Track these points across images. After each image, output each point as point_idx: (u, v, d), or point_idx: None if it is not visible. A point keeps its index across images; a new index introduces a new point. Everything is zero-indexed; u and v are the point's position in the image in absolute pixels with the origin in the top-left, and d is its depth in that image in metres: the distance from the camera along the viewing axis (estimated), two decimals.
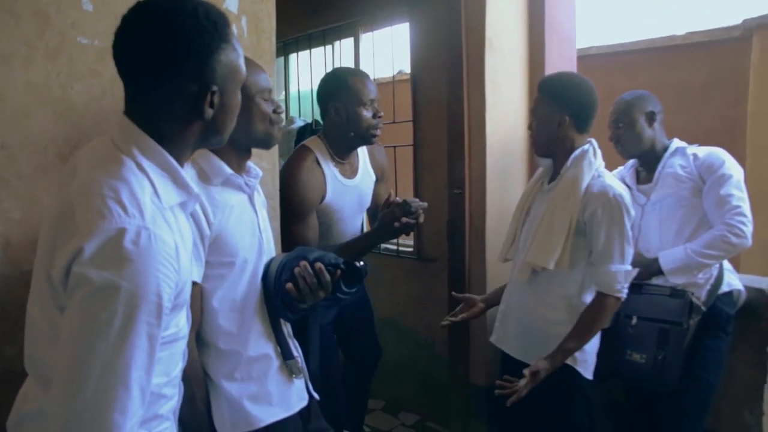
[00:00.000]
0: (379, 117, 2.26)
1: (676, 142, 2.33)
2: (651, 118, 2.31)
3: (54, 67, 1.51)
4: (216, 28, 1.04)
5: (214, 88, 1.04)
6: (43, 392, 1.03)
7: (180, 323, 1.12)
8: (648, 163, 2.36)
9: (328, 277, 1.52)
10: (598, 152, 2.05)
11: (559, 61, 2.91)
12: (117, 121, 1.08)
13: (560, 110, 2.00)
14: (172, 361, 1.13)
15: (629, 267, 1.96)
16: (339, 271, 1.54)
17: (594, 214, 1.94)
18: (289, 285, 1.51)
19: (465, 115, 2.79)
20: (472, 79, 2.77)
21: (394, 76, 3.74)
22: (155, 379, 1.01)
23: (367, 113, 2.22)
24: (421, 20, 3.35)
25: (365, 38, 3.93)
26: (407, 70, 3.77)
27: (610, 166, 2.20)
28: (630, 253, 1.96)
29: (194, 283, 1.31)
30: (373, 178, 2.48)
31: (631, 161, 2.46)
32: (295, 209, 2.14)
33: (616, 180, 2.04)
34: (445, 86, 2.92)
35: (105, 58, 1.59)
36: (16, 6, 1.45)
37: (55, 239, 0.96)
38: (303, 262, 1.52)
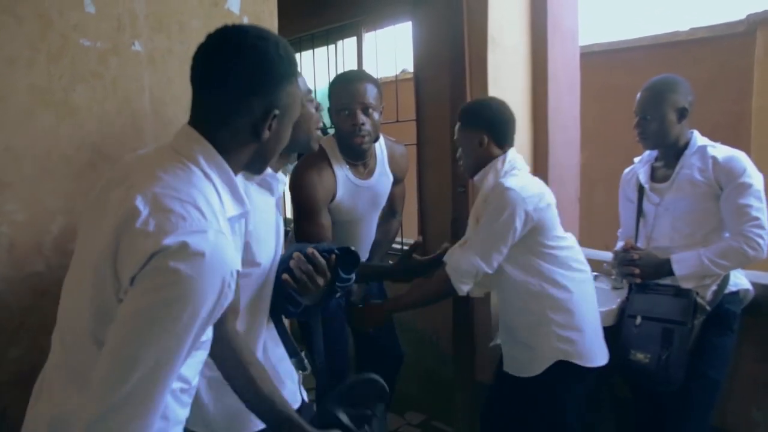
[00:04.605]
0: (358, 124, 2.16)
1: (698, 138, 2.24)
2: (682, 114, 2.21)
3: (56, 69, 1.52)
4: (290, 62, 1.14)
5: (277, 111, 1.11)
6: (74, 388, 1.02)
7: (209, 333, 1.14)
8: (667, 156, 2.30)
9: (323, 260, 1.51)
10: (509, 160, 2.08)
11: (562, 58, 2.90)
12: (180, 131, 1.13)
13: (478, 131, 2.08)
14: (194, 369, 1.14)
15: (486, 269, 1.98)
16: (333, 256, 1.53)
17: (485, 206, 2.03)
18: (285, 276, 1.50)
19: None
20: (474, 77, 2.77)
21: (397, 76, 3.74)
22: (177, 384, 1.05)
23: (343, 120, 2.19)
24: (423, 19, 3.35)
25: (368, 37, 3.93)
26: (411, 69, 3.77)
27: (625, 154, 2.16)
28: (495, 257, 1.98)
29: None
30: (391, 179, 2.47)
31: (646, 156, 2.40)
32: (303, 208, 2.18)
33: (521, 180, 2.02)
34: (448, 84, 2.92)
35: (107, 60, 1.60)
36: (19, 8, 1.45)
37: (120, 237, 0.97)
38: (296, 254, 1.53)
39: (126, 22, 1.62)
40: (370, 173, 2.37)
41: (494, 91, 2.72)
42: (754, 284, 2.25)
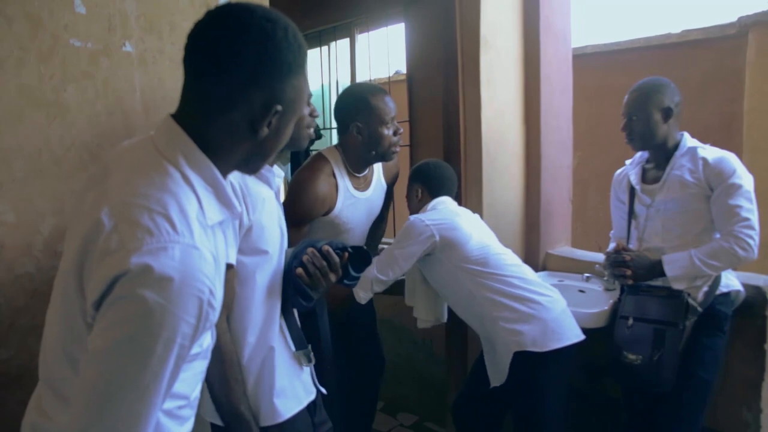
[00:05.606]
0: (400, 134, 2.30)
1: (688, 140, 2.26)
2: (667, 114, 2.23)
3: (47, 69, 1.51)
4: (300, 51, 1.01)
5: (279, 107, 0.98)
6: (58, 404, 0.99)
7: (204, 343, 1.09)
8: (657, 158, 2.32)
9: (336, 258, 1.54)
10: (431, 206, 2.34)
11: (554, 60, 2.91)
12: (162, 124, 1.01)
13: (416, 185, 2.43)
14: (193, 382, 1.09)
15: (381, 278, 2.21)
16: (347, 254, 1.57)
17: None
18: (299, 270, 1.52)
19: (461, 115, 2.79)
20: (467, 78, 2.77)
21: (390, 77, 3.74)
22: (172, 403, 1.01)
23: (388, 132, 2.24)
24: (416, 20, 3.35)
25: (361, 39, 3.92)
26: (404, 70, 3.77)
27: (618, 155, 2.17)
28: (393, 271, 2.20)
29: (229, 266, 1.31)
30: (385, 187, 2.50)
31: (638, 157, 2.42)
32: (294, 215, 2.13)
33: (433, 214, 2.27)
34: (441, 86, 2.92)
35: (98, 61, 1.59)
36: (9, 9, 1.45)
37: (86, 253, 0.90)
38: (310, 249, 1.55)
39: (117, 22, 1.62)
40: (368, 185, 2.39)
41: (487, 92, 2.73)
42: (745, 285, 2.26)
